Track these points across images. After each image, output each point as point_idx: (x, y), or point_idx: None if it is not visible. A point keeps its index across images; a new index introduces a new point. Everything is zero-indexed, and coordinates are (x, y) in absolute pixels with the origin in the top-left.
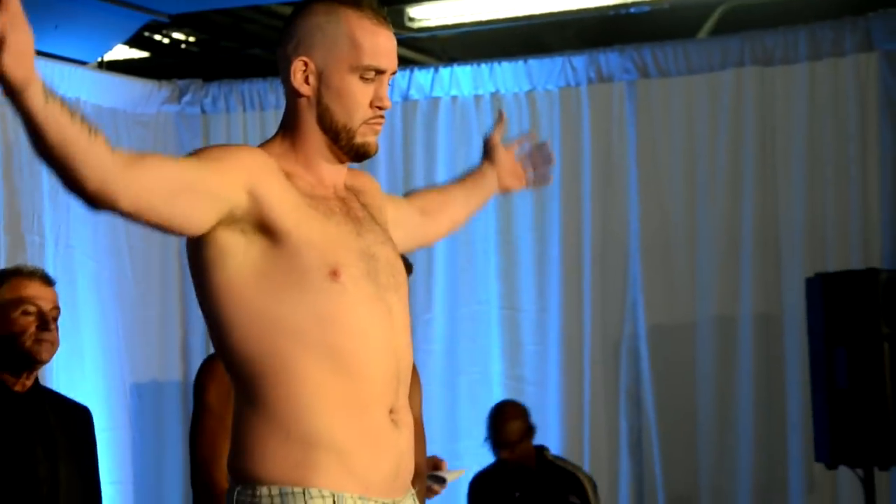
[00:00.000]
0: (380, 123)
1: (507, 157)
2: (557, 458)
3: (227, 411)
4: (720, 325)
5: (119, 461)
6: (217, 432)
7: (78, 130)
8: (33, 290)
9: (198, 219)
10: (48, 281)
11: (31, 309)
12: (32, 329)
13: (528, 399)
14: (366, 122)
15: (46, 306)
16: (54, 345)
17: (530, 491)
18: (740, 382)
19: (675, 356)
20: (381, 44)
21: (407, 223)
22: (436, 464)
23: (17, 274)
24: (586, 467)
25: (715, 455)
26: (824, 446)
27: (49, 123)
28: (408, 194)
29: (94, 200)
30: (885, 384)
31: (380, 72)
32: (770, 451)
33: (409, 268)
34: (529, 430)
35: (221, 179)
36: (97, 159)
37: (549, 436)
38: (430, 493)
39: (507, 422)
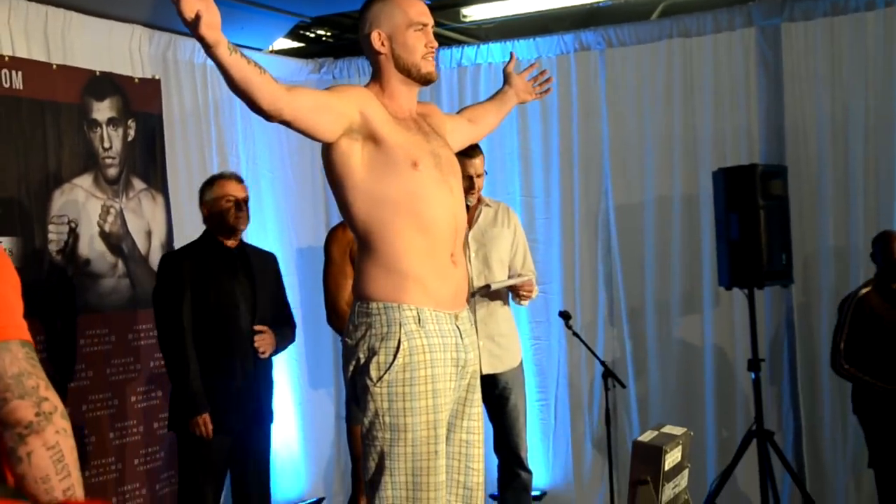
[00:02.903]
0: (433, 56)
1: (520, 80)
2: None
3: (344, 261)
4: (660, 203)
5: (291, 294)
6: (337, 275)
7: (253, 69)
8: (231, 186)
9: (330, 128)
10: (240, 179)
11: (231, 198)
12: (233, 211)
13: (538, 253)
14: (424, 58)
15: (240, 195)
16: (247, 220)
17: None
18: (673, 239)
19: (631, 223)
20: (420, 8)
21: (461, 129)
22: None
23: (221, 177)
24: (577, 297)
25: (657, 281)
26: (725, 275)
27: (234, 66)
28: (460, 110)
29: (268, 113)
30: (760, 236)
31: (425, 25)
32: (691, 278)
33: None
34: None
35: (345, 103)
36: (267, 86)
37: (553, 276)
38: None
39: None
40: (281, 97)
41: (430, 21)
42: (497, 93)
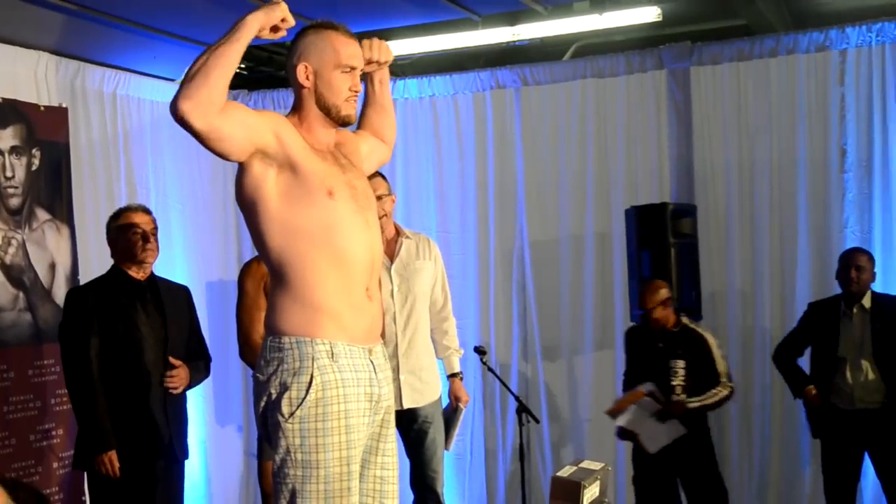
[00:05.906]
0: (355, 100)
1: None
2: (691, 321)
3: (258, 294)
4: (574, 240)
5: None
6: (252, 307)
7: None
8: (138, 218)
9: (241, 145)
10: (147, 211)
11: (138, 230)
12: (140, 243)
13: (455, 288)
14: (345, 101)
15: (147, 227)
16: (155, 251)
17: (668, 343)
18: (586, 275)
19: (545, 259)
20: (352, 51)
21: (376, 150)
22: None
23: (127, 209)
24: (492, 332)
25: (571, 316)
26: (638, 312)
27: (238, 54)
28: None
29: (200, 105)
30: (670, 273)
31: (353, 68)
32: (604, 315)
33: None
34: (669, 300)
35: (262, 122)
36: (224, 87)
37: (469, 311)
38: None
39: (653, 292)
40: (221, 102)
41: (360, 65)
42: (366, 99)
